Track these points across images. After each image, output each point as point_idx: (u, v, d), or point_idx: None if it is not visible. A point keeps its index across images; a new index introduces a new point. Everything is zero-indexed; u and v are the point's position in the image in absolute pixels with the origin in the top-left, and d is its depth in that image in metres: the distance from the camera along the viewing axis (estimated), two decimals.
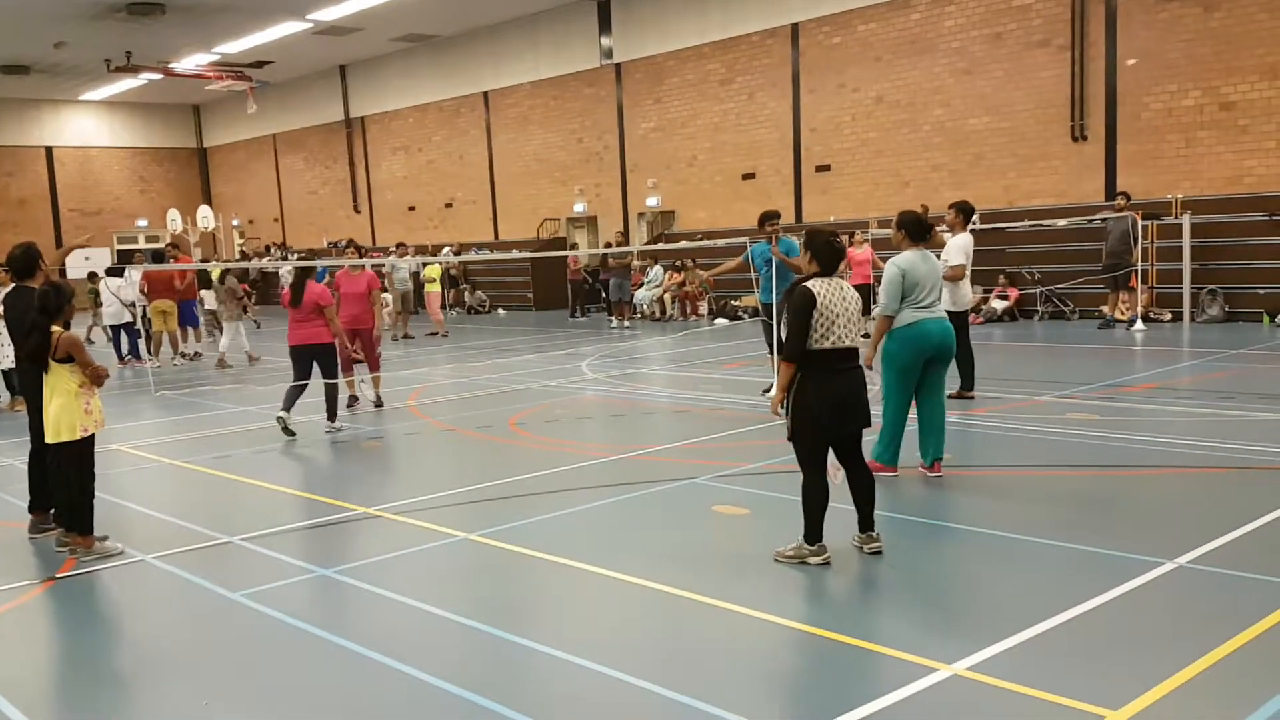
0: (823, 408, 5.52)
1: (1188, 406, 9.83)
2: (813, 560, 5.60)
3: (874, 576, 5.56)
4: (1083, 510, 6.64)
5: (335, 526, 6.99)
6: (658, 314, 23.47)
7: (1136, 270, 16.82)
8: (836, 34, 21.79)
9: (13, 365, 12.74)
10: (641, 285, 24.48)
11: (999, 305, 19.03)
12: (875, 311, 7.43)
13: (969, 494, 7.11)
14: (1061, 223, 18.27)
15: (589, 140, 27.41)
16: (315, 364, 10.43)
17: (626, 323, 22.15)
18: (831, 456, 5.69)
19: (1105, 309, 17.29)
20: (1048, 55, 18.81)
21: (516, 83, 28.79)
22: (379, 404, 11.79)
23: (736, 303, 22.29)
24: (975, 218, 11.21)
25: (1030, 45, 19.03)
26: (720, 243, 19.85)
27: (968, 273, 10.20)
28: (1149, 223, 17.38)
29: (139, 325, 17.73)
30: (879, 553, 5.72)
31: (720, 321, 21.66)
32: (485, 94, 29.76)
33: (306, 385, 10.43)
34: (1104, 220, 17.23)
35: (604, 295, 23.77)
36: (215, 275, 18.45)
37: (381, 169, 33.90)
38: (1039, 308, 19.09)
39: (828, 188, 22.24)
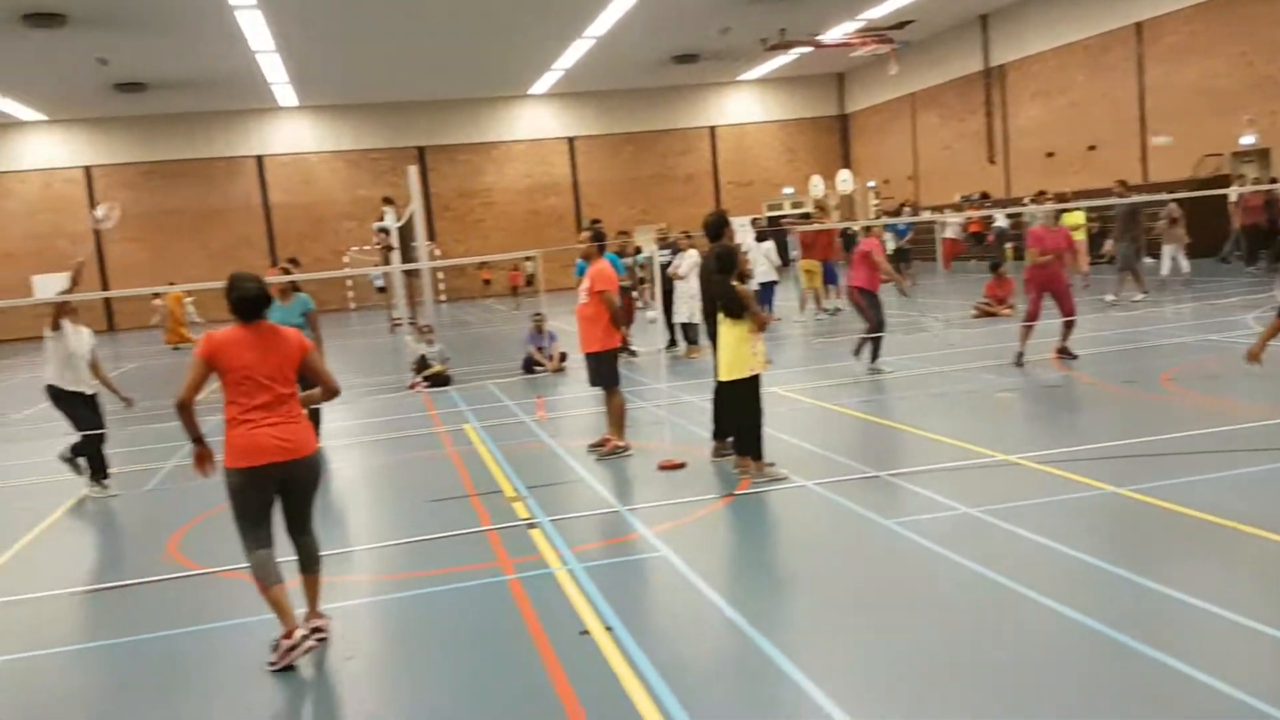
0: None
1: None
2: None
3: None
4: None
5: (976, 470, 7.21)
6: None
7: None
8: None
9: (690, 319, 14.82)
10: None
11: None
12: None
13: None
14: None
15: (1259, 63, 24.00)
16: None
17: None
18: None
19: None
20: None
21: (1175, 8, 26.09)
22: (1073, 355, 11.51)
23: None
24: None
25: None
26: None
27: None
28: None
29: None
30: None
31: None
32: (1138, 25, 27.43)
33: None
34: None
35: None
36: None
37: (1020, 116, 32.95)
38: None
39: None
